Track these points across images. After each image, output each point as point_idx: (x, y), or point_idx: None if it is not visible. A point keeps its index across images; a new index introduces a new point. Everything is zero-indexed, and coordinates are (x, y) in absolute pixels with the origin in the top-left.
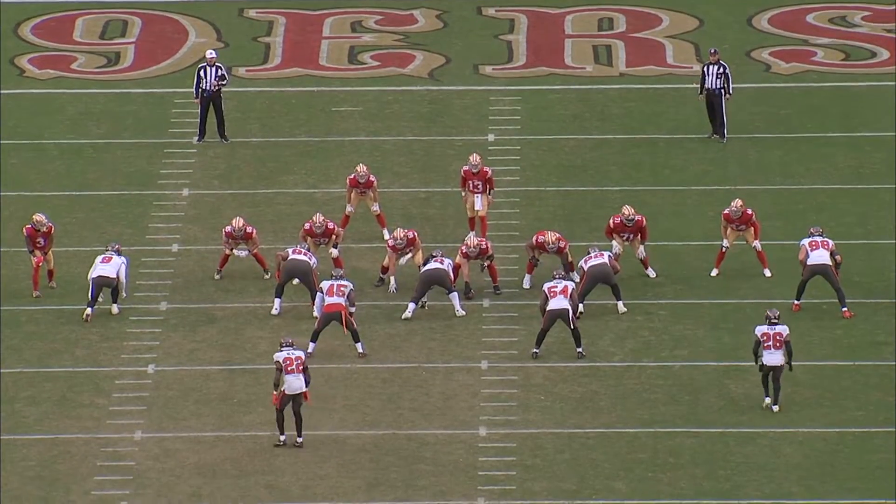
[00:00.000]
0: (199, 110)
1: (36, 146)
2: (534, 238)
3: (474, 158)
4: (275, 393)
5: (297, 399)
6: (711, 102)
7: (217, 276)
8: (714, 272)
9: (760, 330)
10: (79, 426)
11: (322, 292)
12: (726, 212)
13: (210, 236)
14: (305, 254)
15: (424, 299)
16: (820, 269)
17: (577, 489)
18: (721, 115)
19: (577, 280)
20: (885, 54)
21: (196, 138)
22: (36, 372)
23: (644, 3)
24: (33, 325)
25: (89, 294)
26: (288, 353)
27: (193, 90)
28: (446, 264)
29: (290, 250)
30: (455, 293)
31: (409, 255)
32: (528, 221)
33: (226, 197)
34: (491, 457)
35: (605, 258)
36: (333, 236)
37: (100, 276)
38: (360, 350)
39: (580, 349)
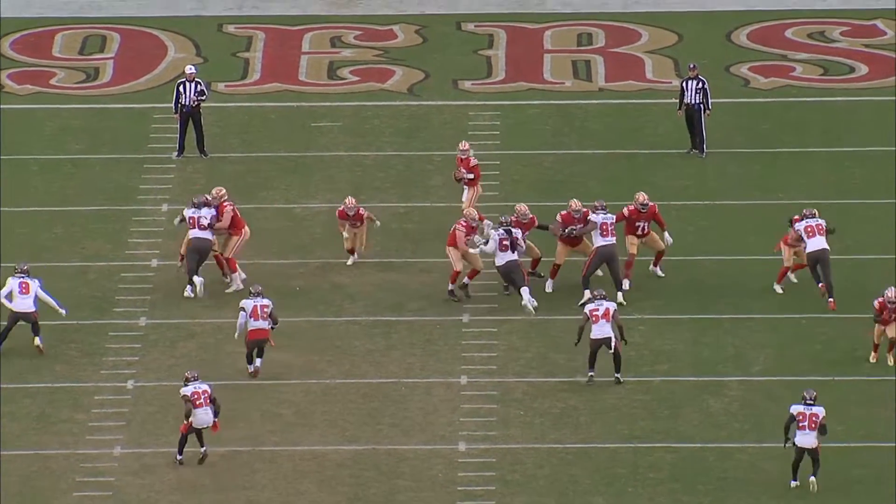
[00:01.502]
0: (178, 125)
1: (15, 161)
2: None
3: (463, 144)
4: (184, 423)
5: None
6: (691, 117)
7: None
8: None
9: (796, 409)
10: (58, 442)
11: (245, 313)
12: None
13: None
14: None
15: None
16: (820, 255)
17: None
18: (700, 130)
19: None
20: (863, 69)
21: (175, 154)
22: (15, 388)
23: (623, 18)
24: (12, 340)
25: (3, 330)
26: (194, 388)
27: (173, 105)
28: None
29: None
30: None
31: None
32: None
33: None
34: (470, 472)
35: (612, 238)
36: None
37: (22, 313)
38: (256, 366)
39: (618, 374)
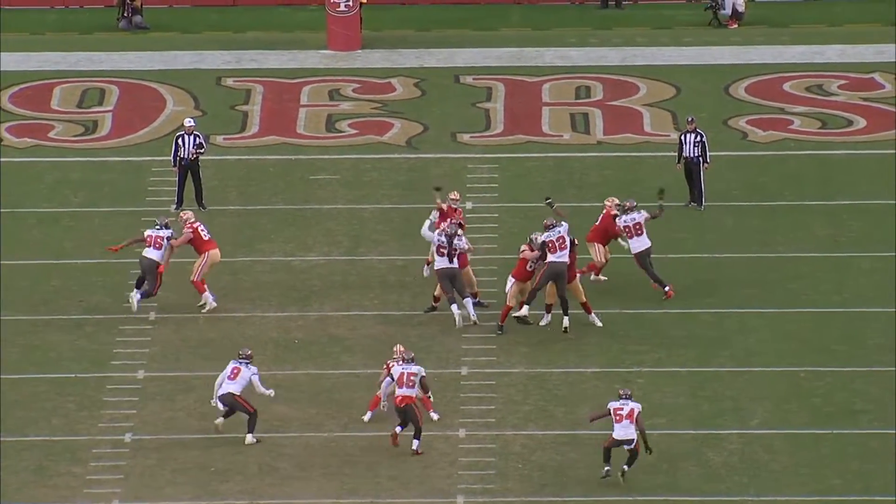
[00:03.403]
0: (176, 178)
1: (14, 214)
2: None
3: (454, 194)
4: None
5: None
6: (689, 171)
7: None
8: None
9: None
10: (56, 495)
11: (392, 379)
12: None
13: (187, 303)
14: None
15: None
16: (644, 253)
17: None
18: (699, 183)
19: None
20: (861, 122)
21: (174, 206)
22: (14, 441)
23: (621, 71)
24: (14, 393)
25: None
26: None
27: (171, 158)
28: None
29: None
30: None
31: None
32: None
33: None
34: None
35: (565, 255)
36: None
37: (224, 395)
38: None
39: (626, 467)
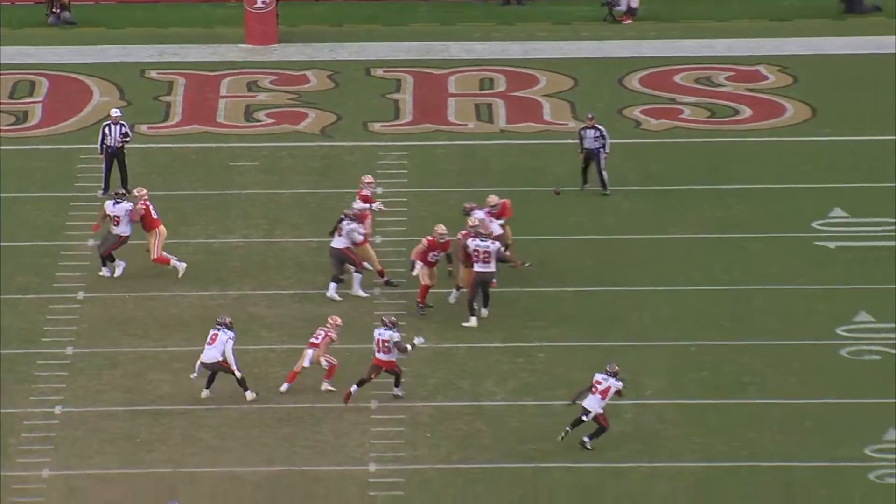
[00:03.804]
0: (103, 165)
1: None
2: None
3: (368, 178)
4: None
5: None
6: (589, 160)
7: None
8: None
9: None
10: None
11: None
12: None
13: (115, 284)
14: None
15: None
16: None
17: None
18: (600, 171)
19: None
20: (747, 112)
21: (101, 192)
22: None
23: (522, 64)
24: None
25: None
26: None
27: (98, 146)
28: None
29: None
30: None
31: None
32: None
33: (129, 247)
34: (381, 491)
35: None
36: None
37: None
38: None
39: (587, 439)
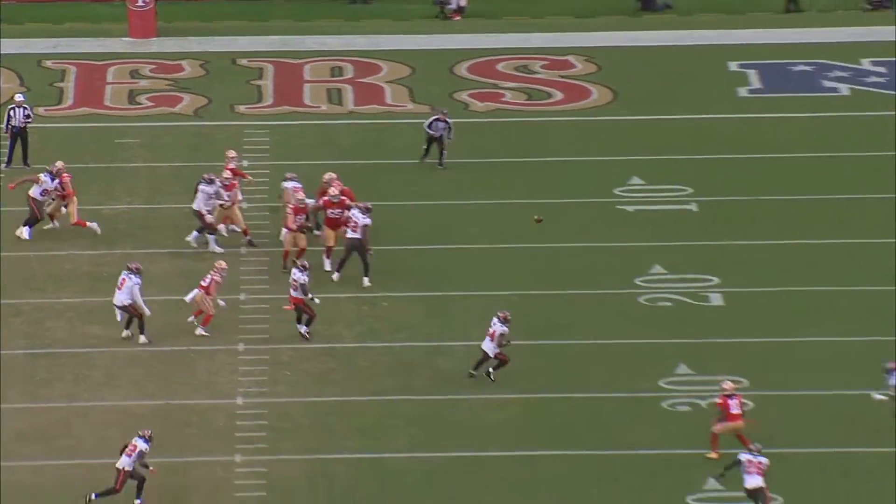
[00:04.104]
0: (8, 142)
1: None
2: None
3: (231, 153)
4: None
5: None
6: (432, 142)
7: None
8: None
9: (744, 457)
10: None
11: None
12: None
13: (14, 244)
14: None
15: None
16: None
17: (318, 447)
18: (441, 151)
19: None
20: (559, 95)
21: (4, 165)
22: None
23: (367, 55)
24: None
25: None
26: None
27: (4, 126)
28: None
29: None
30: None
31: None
32: (277, 230)
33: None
34: (247, 421)
35: (359, 233)
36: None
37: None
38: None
39: (491, 371)
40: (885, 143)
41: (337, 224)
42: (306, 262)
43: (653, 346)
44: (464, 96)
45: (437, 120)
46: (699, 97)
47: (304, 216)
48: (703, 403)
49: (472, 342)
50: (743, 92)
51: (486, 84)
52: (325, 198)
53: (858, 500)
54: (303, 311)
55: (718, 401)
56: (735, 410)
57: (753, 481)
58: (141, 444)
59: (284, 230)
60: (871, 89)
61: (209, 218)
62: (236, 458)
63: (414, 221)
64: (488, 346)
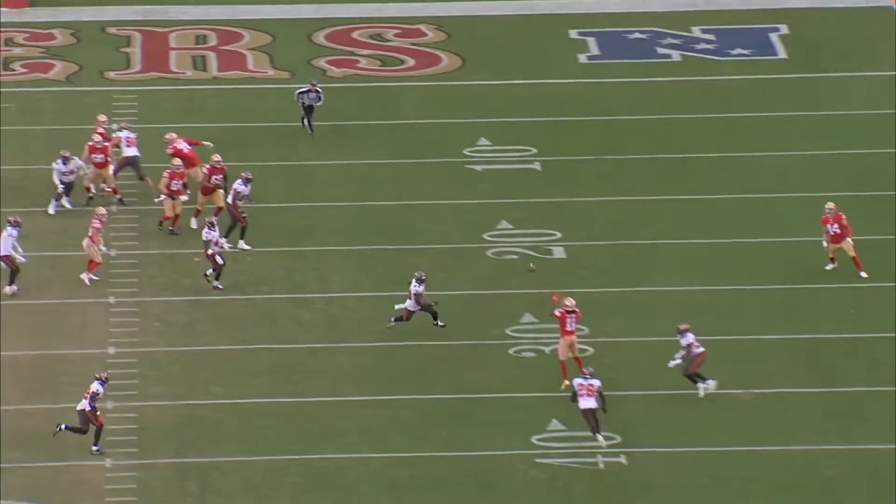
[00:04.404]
0: None
1: None
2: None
3: (102, 117)
4: None
5: None
6: (309, 109)
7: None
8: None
9: (577, 381)
10: None
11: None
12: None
13: None
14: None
15: None
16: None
17: (185, 393)
18: (310, 121)
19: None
20: (411, 62)
21: None
22: None
23: (230, 24)
24: None
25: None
26: None
27: None
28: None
29: None
30: None
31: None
32: (146, 189)
33: None
34: (119, 370)
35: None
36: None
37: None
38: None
39: (438, 322)
40: (713, 106)
41: (213, 190)
42: (214, 220)
43: (500, 297)
44: (321, 63)
45: (308, 91)
46: (542, 63)
47: (181, 181)
48: (546, 350)
49: (332, 294)
50: (583, 58)
51: (342, 51)
52: (209, 164)
53: (694, 436)
54: (214, 264)
55: (557, 314)
56: (570, 327)
57: (586, 403)
58: (96, 387)
59: (163, 195)
60: (700, 55)
61: (60, 188)
62: (109, 405)
63: (276, 181)
64: (410, 305)
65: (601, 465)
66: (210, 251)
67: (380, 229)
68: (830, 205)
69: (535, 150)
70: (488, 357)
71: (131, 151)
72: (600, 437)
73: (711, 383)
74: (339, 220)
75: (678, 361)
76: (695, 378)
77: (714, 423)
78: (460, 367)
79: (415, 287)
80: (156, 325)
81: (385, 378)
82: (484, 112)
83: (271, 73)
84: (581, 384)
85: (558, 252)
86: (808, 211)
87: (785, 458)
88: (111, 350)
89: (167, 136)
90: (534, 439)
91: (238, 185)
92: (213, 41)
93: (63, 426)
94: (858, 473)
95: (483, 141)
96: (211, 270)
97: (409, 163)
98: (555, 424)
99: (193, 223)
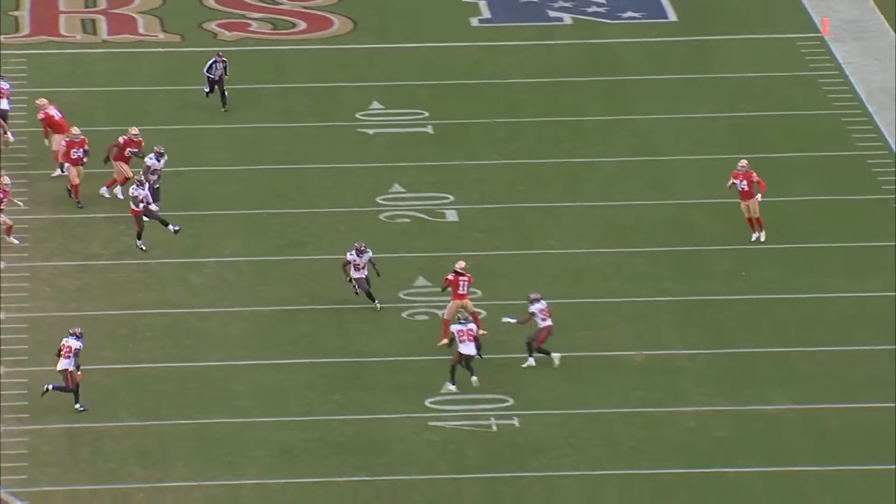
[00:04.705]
0: None
1: None
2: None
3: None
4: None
5: None
6: (218, 83)
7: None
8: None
9: (455, 327)
10: None
11: None
12: (125, 138)
13: None
14: None
15: None
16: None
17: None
18: (223, 91)
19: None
20: (302, 25)
21: None
22: None
23: None
24: None
25: None
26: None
27: None
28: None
29: None
30: None
31: None
32: (35, 153)
33: None
34: (9, 335)
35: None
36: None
37: None
38: None
39: (371, 295)
40: (605, 69)
41: (128, 160)
42: (142, 178)
43: (393, 260)
44: (212, 26)
45: (215, 62)
46: (434, 27)
47: (82, 149)
48: (440, 313)
49: (224, 258)
50: (474, 22)
51: (233, 14)
52: (126, 136)
53: (586, 399)
54: (140, 223)
55: (450, 277)
56: (462, 290)
57: (466, 349)
58: (75, 343)
59: (68, 164)
60: (591, 18)
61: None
62: (0, 370)
63: (168, 146)
64: (356, 275)
65: (494, 428)
66: (137, 207)
67: (272, 193)
68: (743, 162)
69: (427, 114)
70: (382, 320)
71: (2, 104)
72: (474, 379)
73: (556, 356)
74: (230, 185)
75: (512, 320)
76: (538, 352)
77: (606, 385)
78: (353, 331)
79: (352, 257)
80: (46, 290)
81: (278, 342)
82: (376, 76)
83: (162, 36)
84: (461, 330)
85: (451, 215)
86: (699, 173)
87: (676, 420)
88: (2, 315)
89: (38, 102)
90: (427, 402)
91: (150, 159)
92: (102, 4)
93: (50, 386)
94: (749, 434)
95: (375, 105)
96: (140, 240)
97: (301, 126)
98: (448, 387)
99: (105, 192)
